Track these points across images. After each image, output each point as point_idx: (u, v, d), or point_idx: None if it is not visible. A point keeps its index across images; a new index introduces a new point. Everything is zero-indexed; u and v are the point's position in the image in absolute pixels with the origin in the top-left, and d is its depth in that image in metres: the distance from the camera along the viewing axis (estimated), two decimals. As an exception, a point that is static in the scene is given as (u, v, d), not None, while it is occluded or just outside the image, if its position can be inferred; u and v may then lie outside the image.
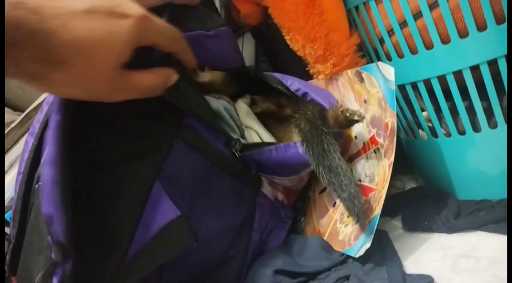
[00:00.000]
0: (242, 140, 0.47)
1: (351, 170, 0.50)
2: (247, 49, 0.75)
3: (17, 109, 1.06)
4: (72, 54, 0.31)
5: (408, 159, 0.60)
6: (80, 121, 0.40)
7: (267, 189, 0.52)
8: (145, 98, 0.38)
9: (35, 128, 0.46)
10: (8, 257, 0.44)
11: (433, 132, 0.51)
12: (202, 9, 0.48)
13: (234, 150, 0.47)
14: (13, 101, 1.07)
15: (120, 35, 0.33)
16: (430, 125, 0.53)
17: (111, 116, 0.41)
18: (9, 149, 0.76)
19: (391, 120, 0.44)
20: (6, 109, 1.04)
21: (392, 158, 0.43)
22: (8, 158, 0.74)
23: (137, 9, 0.34)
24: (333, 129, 0.46)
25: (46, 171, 0.37)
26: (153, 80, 0.38)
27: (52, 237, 0.35)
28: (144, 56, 0.37)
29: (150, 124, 0.43)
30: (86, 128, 0.40)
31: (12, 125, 0.77)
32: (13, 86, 1.04)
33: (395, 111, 0.43)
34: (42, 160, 0.39)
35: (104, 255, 0.38)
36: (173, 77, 0.40)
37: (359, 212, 0.42)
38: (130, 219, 0.39)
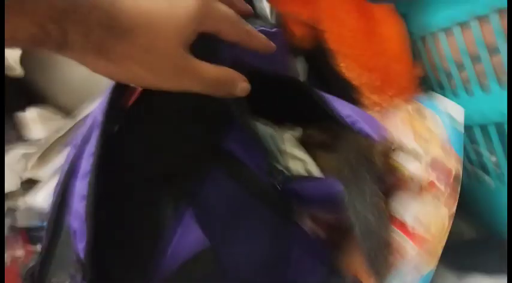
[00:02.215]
0: (285, 172, 0.44)
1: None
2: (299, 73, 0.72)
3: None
4: (135, 23, 0.29)
5: (468, 204, 0.54)
6: (122, 135, 0.38)
7: (306, 224, 0.47)
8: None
9: (77, 140, 0.45)
10: (37, 269, 0.43)
11: (502, 179, 0.46)
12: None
13: (275, 182, 0.43)
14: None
15: (184, 12, 0.31)
16: (498, 170, 0.47)
17: (154, 133, 0.39)
18: (51, 158, 0.77)
19: (455, 166, 0.39)
20: (59, 116, 1.06)
21: (454, 209, 0.38)
22: (49, 168, 0.74)
23: None
24: (384, 167, 0.42)
25: (78, 184, 0.35)
26: (221, 74, 0.35)
27: (74, 253, 0.33)
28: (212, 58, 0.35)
29: (191, 146, 0.41)
30: (126, 142, 0.39)
31: (61, 134, 0.77)
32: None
33: (462, 157, 0.38)
34: (77, 174, 0.37)
35: (126, 281, 0.35)
36: (244, 84, 0.37)
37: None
38: (158, 245, 0.37)
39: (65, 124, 0.92)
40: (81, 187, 0.34)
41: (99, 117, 0.36)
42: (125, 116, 0.39)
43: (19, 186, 0.77)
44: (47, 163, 0.80)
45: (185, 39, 0.32)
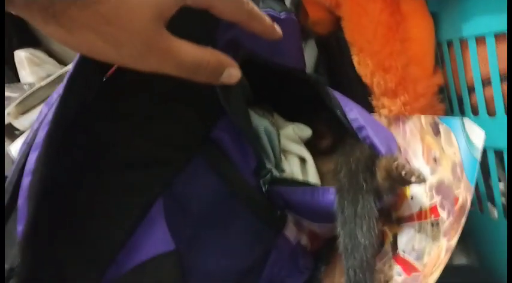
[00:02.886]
0: (275, 172, 0.39)
1: (395, 234, 0.41)
2: (307, 58, 0.67)
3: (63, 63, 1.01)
4: None
5: (465, 231, 0.50)
6: (96, 107, 0.33)
7: (290, 230, 0.43)
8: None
9: (53, 97, 0.41)
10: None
11: (506, 212, 0.42)
12: None
13: (262, 182, 0.39)
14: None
15: None
16: (503, 200, 0.43)
17: (131, 111, 0.35)
18: (33, 107, 0.72)
19: (464, 194, 0.35)
20: (51, 60, 1.00)
21: (454, 241, 0.34)
22: (29, 117, 0.70)
23: None
24: (384, 182, 0.37)
25: (30, 155, 0.31)
26: (203, 56, 0.29)
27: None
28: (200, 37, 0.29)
29: (172, 129, 0.36)
30: (99, 116, 0.34)
31: (42, 84, 0.72)
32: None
33: (473, 186, 0.34)
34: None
35: (77, 273, 0.31)
36: (233, 71, 0.31)
37: None
38: (118, 236, 0.33)
39: (55, 71, 0.86)
40: (31, 159, 0.29)
41: (64, 81, 0.31)
42: (102, 83, 0.34)
43: (-5, 131, 0.73)
44: (26, 112, 0.76)
45: (161, 12, 0.26)
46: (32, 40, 0.79)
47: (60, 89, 0.39)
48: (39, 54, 0.82)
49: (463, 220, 0.34)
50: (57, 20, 0.24)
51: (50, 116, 0.29)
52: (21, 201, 0.28)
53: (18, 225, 0.28)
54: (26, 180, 0.28)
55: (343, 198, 0.37)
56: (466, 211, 0.34)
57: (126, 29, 0.26)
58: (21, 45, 0.77)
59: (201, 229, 0.37)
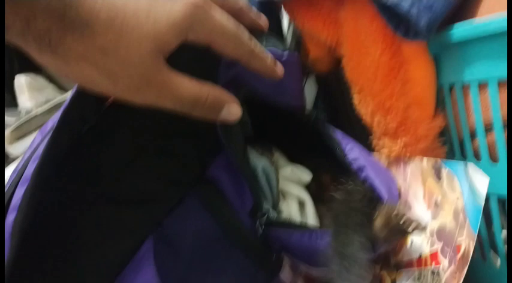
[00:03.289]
0: (272, 213, 0.38)
1: (394, 280, 0.40)
2: (307, 95, 0.67)
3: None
4: (95, 17, 0.24)
5: (467, 278, 0.48)
6: (90, 139, 0.33)
7: (286, 273, 0.41)
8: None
9: (48, 126, 0.40)
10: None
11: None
12: (274, 34, 0.40)
13: (258, 223, 0.37)
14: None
15: (166, 15, 0.26)
16: (506, 247, 0.42)
17: (126, 140, 0.34)
18: (29, 133, 0.71)
19: (467, 241, 0.34)
20: (52, 86, 1.00)
21: (456, 292, 0.33)
22: (25, 143, 0.69)
23: None
24: (382, 230, 0.36)
25: (19, 190, 0.29)
26: (201, 91, 0.29)
27: None
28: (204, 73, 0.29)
29: (167, 163, 0.35)
30: (92, 149, 0.33)
31: (39, 110, 0.72)
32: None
33: (476, 234, 0.33)
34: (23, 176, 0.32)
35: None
36: (233, 108, 0.30)
37: None
38: (104, 278, 0.31)
39: (55, 97, 0.86)
40: (17, 195, 0.28)
41: (59, 114, 0.30)
42: (98, 116, 0.33)
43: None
44: (21, 138, 0.75)
45: (161, 46, 0.26)
46: (33, 65, 0.79)
47: (56, 117, 0.38)
48: (40, 79, 0.81)
49: (465, 269, 0.33)
50: (52, 49, 0.24)
51: (41, 150, 0.29)
52: (7, 235, 0.27)
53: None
54: (10, 217, 0.27)
55: (339, 239, 0.36)
56: (468, 260, 0.33)
57: (123, 61, 0.25)
58: (23, 70, 0.77)
59: (192, 272, 0.35)
